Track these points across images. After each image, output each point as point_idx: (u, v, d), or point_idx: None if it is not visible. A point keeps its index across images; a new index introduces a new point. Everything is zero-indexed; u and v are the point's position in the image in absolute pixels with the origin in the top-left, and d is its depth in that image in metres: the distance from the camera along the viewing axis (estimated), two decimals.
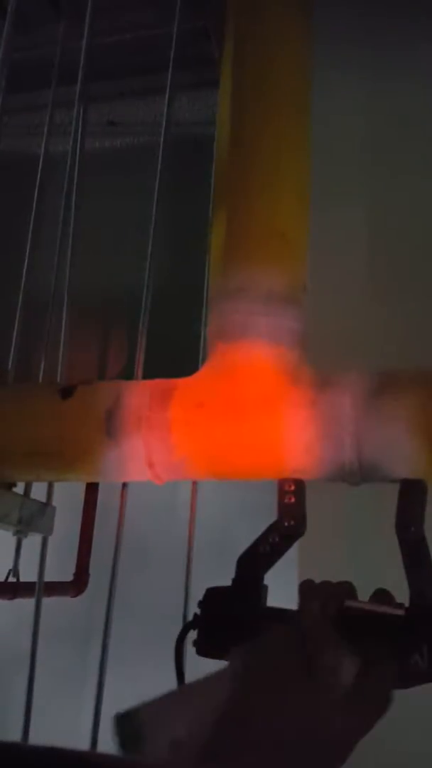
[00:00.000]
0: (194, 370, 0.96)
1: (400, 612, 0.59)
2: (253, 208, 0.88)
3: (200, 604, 0.68)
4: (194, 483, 1.16)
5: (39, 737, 1.16)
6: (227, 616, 0.67)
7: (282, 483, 0.72)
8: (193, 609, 1.23)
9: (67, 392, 0.88)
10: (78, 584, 1.56)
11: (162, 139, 1.31)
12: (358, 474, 0.77)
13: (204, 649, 0.66)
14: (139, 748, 0.51)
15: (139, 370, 1.14)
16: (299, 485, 0.72)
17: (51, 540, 1.19)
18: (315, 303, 0.93)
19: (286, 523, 0.70)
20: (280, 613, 0.65)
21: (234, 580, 0.69)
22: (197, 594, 1.17)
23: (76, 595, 1.56)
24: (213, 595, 0.68)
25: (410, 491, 0.68)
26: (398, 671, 0.55)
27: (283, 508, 0.71)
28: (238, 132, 0.91)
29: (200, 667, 0.59)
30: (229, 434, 0.82)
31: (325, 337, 0.96)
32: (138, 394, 0.88)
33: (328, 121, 1.15)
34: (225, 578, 0.71)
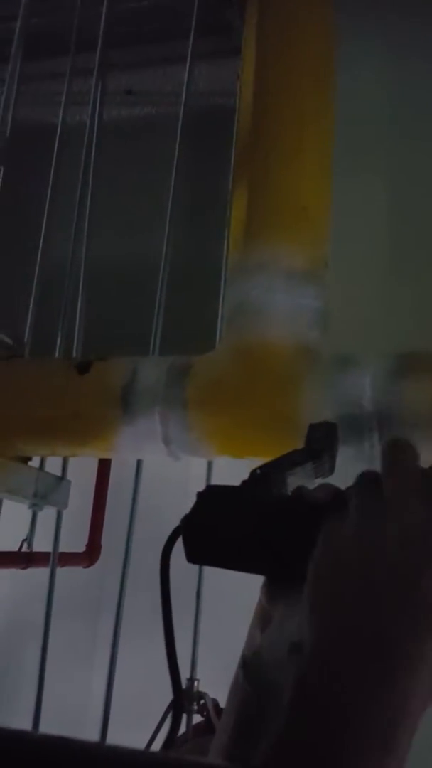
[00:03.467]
0: (212, 347, 0.95)
1: None
2: (275, 181, 0.86)
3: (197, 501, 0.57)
4: (210, 461, 1.15)
5: (50, 707, 1.18)
6: (229, 513, 0.56)
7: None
8: (204, 584, 1.24)
9: (83, 367, 0.88)
10: (90, 555, 1.58)
11: (182, 110, 1.28)
12: (378, 456, 0.76)
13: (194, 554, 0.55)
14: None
15: (156, 346, 1.13)
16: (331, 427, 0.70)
17: (65, 513, 1.20)
18: (336, 280, 0.91)
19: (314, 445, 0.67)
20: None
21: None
22: (206, 568, 1.17)
23: (88, 566, 1.57)
24: (212, 490, 0.58)
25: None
26: None
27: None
28: (261, 103, 0.88)
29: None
30: (246, 413, 0.82)
31: (346, 315, 0.94)
32: (155, 370, 0.87)
33: (352, 92, 1.12)
34: None
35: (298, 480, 0.64)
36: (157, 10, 1.60)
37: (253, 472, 0.61)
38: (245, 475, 0.62)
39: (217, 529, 0.55)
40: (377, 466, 0.73)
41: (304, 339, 0.83)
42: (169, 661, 0.59)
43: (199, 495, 0.56)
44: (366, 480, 0.44)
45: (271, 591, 0.54)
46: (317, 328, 0.85)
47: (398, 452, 0.43)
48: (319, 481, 0.69)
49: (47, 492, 1.08)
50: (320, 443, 0.70)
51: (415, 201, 1.22)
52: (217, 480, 1.15)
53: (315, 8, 0.96)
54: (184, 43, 1.38)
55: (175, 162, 1.25)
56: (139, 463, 1.11)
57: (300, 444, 0.74)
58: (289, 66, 0.89)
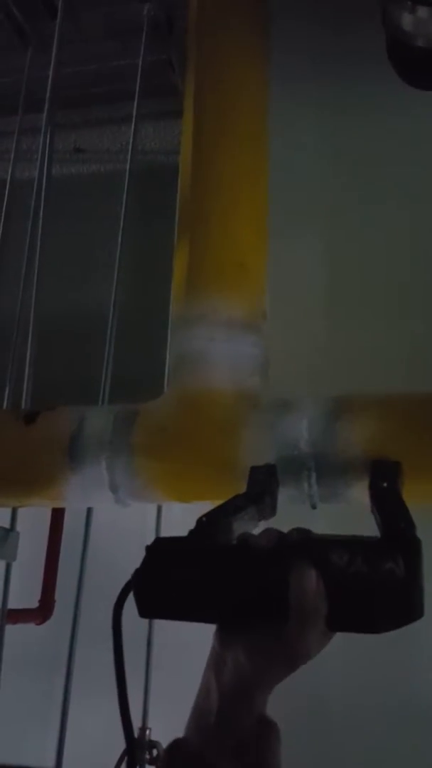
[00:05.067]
0: (160, 394, 0.97)
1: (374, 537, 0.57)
2: (213, 238, 0.90)
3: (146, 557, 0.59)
4: (159, 507, 1.16)
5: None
6: (178, 566, 0.57)
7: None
8: (158, 637, 1.23)
9: (30, 418, 0.89)
10: (44, 611, 1.54)
11: (128, 168, 1.33)
12: (316, 495, 0.79)
13: (146, 608, 0.57)
14: None
15: (105, 395, 1.15)
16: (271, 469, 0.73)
17: (19, 565, 1.18)
18: (275, 329, 0.95)
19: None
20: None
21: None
22: (162, 622, 1.17)
23: (41, 623, 1.53)
24: (161, 544, 0.60)
25: (381, 468, 0.69)
26: (375, 581, 0.53)
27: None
28: (198, 166, 0.94)
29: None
30: (190, 458, 0.84)
31: (286, 362, 0.98)
32: (102, 419, 0.89)
33: (286, 149, 1.18)
34: None
35: (242, 525, 0.67)
36: (104, 72, 1.67)
37: (199, 521, 0.63)
38: (197, 517, 0.64)
39: (167, 583, 0.57)
40: (315, 503, 0.76)
41: (245, 385, 0.87)
42: (121, 711, 0.59)
43: (148, 549, 0.59)
44: None
45: (223, 636, 0.55)
46: (257, 375, 0.88)
47: None
48: (263, 524, 0.71)
49: None
50: (261, 486, 0.73)
51: (350, 253, 1.29)
52: (170, 524, 1.16)
53: (249, 77, 1.03)
54: (131, 104, 1.44)
55: (122, 216, 1.29)
56: (89, 511, 1.11)
57: (243, 486, 0.77)
58: (224, 129, 0.95)
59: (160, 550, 0.59)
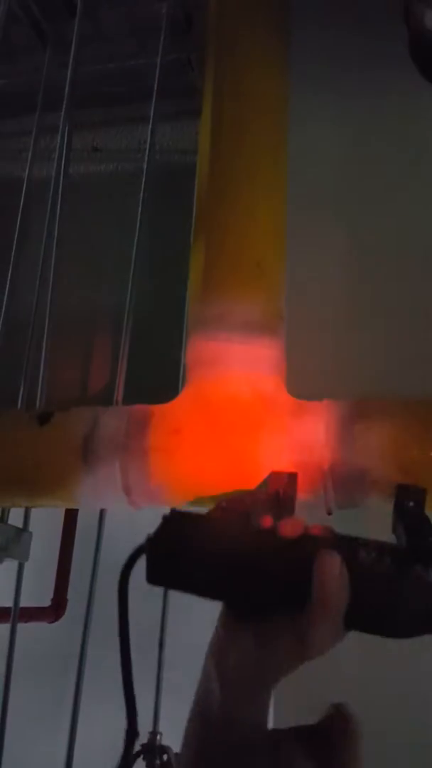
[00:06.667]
0: (175, 395, 0.96)
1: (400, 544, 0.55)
2: (230, 238, 0.89)
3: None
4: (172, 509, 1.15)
5: (13, 766, 1.14)
6: (197, 536, 0.55)
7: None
8: (170, 636, 1.22)
9: (44, 418, 0.89)
10: (56, 610, 1.54)
11: (145, 167, 1.33)
12: (332, 500, 0.77)
13: (156, 574, 0.55)
14: None
15: (119, 396, 1.14)
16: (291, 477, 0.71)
17: (32, 565, 1.18)
18: (293, 330, 0.94)
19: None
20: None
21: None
22: (174, 621, 1.16)
23: (53, 621, 1.54)
24: (179, 514, 0.57)
25: (407, 490, 0.67)
26: (404, 583, 0.50)
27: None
28: (216, 166, 0.93)
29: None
30: (205, 461, 0.83)
31: (304, 363, 0.97)
32: (115, 420, 0.88)
33: (305, 152, 1.17)
34: (201, 604, 0.70)
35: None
36: (122, 71, 1.67)
37: (219, 504, 0.61)
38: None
39: (182, 551, 0.54)
40: (331, 509, 0.74)
41: (261, 387, 0.86)
42: (125, 688, 0.57)
43: (165, 517, 0.56)
44: None
45: (232, 620, 0.53)
46: (274, 377, 0.87)
47: None
48: None
49: (7, 544, 1.07)
50: (282, 489, 0.71)
51: (370, 253, 1.27)
52: None
53: (269, 75, 1.02)
54: (150, 103, 1.44)
55: (139, 216, 1.29)
56: (102, 512, 1.10)
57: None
58: (242, 129, 0.94)
59: (178, 520, 0.56)
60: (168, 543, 0.55)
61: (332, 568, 0.50)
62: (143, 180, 1.31)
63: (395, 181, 1.29)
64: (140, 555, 0.56)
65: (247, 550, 0.54)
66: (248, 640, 0.51)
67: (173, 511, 0.57)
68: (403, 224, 1.27)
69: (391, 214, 1.28)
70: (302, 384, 0.93)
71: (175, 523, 0.56)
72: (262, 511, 0.64)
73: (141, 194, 1.30)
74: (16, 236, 1.35)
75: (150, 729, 1.02)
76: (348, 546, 0.52)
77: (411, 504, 0.62)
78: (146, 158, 1.34)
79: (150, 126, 1.38)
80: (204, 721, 0.52)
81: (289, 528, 0.54)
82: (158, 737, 1.02)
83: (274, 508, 0.68)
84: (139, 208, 1.29)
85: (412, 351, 1.18)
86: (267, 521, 0.56)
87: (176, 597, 1.18)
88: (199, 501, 0.89)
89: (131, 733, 0.57)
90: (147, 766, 0.98)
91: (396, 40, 1.10)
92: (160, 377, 1.16)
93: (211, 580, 0.54)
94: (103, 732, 1.17)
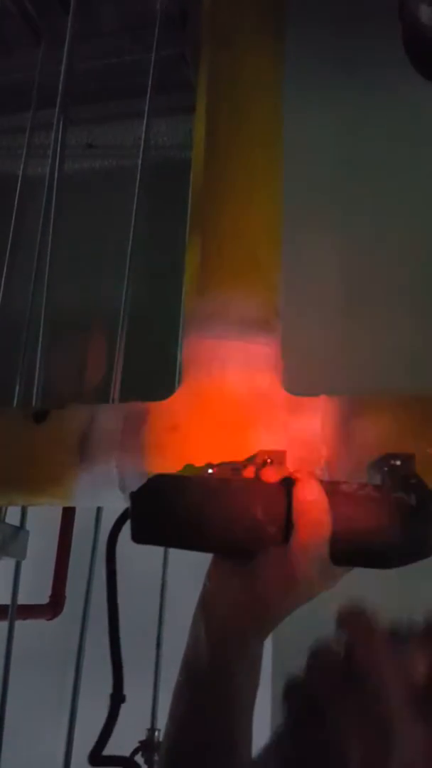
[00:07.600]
0: (171, 392, 0.96)
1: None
2: (226, 235, 0.89)
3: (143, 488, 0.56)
4: None
5: (12, 763, 1.14)
6: (178, 491, 0.55)
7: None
8: (168, 633, 1.23)
9: (40, 416, 0.88)
10: (54, 607, 1.54)
11: (140, 163, 1.32)
12: None
13: (142, 532, 0.54)
14: None
15: (116, 393, 1.14)
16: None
17: (29, 563, 1.18)
18: (289, 326, 0.94)
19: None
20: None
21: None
22: (172, 618, 1.16)
23: (51, 618, 1.54)
24: (161, 475, 0.58)
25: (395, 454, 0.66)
26: (385, 504, 0.51)
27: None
28: (211, 161, 0.92)
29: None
30: (202, 458, 0.82)
31: (300, 360, 0.97)
32: (112, 417, 0.88)
33: (300, 148, 1.17)
34: None
35: None
36: (117, 67, 1.66)
37: (207, 467, 0.61)
38: None
39: (166, 507, 0.54)
40: None
41: (258, 384, 0.85)
42: (112, 652, 0.57)
43: (149, 479, 0.57)
44: None
45: (220, 569, 0.53)
46: (270, 373, 0.87)
47: None
48: None
49: (4, 543, 1.07)
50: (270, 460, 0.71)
51: (366, 249, 1.27)
52: None
53: (263, 72, 1.01)
54: (144, 99, 1.43)
55: (134, 212, 1.28)
56: (99, 510, 1.10)
57: None
58: (238, 125, 0.93)
59: (160, 480, 0.57)
60: (151, 499, 0.55)
61: (311, 491, 0.50)
62: (138, 176, 1.31)
63: (392, 177, 1.29)
64: (127, 518, 0.56)
65: (230, 494, 0.54)
66: (235, 588, 0.51)
67: (156, 474, 0.58)
68: (399, 220, 1.27)
69: (388, 211, 1.28)
70: (299, 380, 0.93)
71: (157, 481, 0.56)
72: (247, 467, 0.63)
73: (136, 190, 1.30)
74: (11, 233, 1.35)
75: (148, 726, 1.03)
76: (330, 481, 0.54)
77: (398, 462, 0.61)
78: (141, 154, 1.34)
79: (145, 122, 1.37)
80: (193, 677, 0.51)
81: (271, 473, 0.54)
82: (156, 734, 1.02)
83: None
84: (135, 204, 1.29)
85: (408, 346, 1.18)
86: (250, 471, 0.56)
87: (175, 595, 1.19)
88: None
89: (117, 698, 0.57)
90: (146, 762, 0.98)
91: (391, 34, 1.10)
92: (156, 374, 1.16)
93: (197, 530, 0.54)
94: (101, 728, 1.18)
